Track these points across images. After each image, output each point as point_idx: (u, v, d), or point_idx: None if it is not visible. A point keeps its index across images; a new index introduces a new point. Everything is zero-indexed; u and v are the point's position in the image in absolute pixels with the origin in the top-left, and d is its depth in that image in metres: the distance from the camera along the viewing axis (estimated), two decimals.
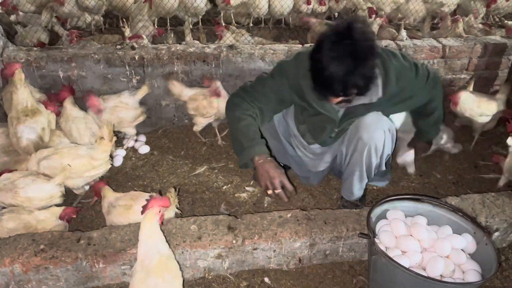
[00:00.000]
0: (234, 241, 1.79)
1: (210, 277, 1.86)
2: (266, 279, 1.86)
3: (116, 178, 2.48)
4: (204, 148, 2.76)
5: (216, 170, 2.57)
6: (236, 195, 2.39)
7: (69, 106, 2.39)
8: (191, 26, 3.83)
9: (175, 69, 2.68)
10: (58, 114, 2.42)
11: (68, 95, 2.39)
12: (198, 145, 2.79)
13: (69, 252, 1.71)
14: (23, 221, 1.90)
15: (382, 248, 1.61)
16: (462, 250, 1.63)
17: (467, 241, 1.65)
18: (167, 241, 1.74)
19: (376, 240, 1.62)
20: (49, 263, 1.68)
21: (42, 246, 1.72)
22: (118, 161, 2.59)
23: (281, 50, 2.80)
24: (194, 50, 2.69)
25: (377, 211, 1.75)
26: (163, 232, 1.78)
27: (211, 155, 2.70)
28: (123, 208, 1.92)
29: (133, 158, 2.65)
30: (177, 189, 2.19)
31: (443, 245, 1.62)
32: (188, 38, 3.27)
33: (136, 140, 2.77)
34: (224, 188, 2.43)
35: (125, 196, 1.99)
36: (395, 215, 1.76)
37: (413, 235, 1.66)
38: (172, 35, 3.68)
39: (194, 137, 2.84)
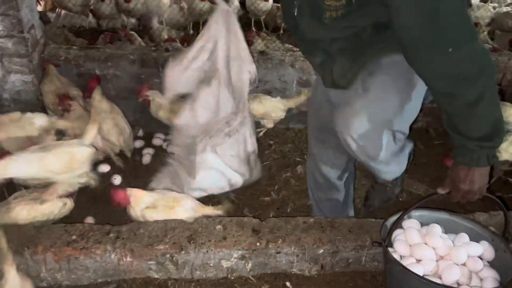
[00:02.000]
0: (258, 244, 1.82)
1: (232, 278, 1.89)
2: (288, 283, 1.87)
3: (143, 175, 2.54)
4: None
5: None
6: (260, 198, 2.42)
7: (98, 97, 2.48)
8: None
9: None
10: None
11: (96, 85, 2.47)
12: None
13: (99, 244, 1.78)
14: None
15: (397, 256, 1.61)
16: (479, 257, 1.62)
17: (484, 248, 1.63)
18: (192, 240, 1.79)
19: (390, 249, 1.62)
20: (79, 254, 1.75)
21: (74, 237, 1.79)
22: (146, 160, 2.66)
23: None
24: None
25: (393, 220, 1.74)
26: (189, 231, 1.84)
27: None
28: (167, 208, 1.95)
29: (162, 157, 2.72)
30: None
31: (459, 253, 1.60)
32: None
33: (164, 140, 2.84)
34: (248, 190, 2.46)
35: (165, 197, 2.00)
36: (410, 224, 1.75)
37: (427, 243, 1.65)
38: None
39: None
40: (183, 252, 1.78)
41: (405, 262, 1.56)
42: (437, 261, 1.61)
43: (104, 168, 2.54)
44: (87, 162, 2.08)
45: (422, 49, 1.22)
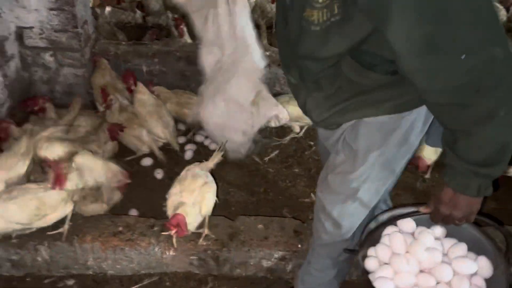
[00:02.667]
0: (299, 245, 1.81)
1: (271, 278, 1.89)
2: None
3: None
4: (275, 152, 2.79)
5: (284, 169, 2.60)
6: (299, 200, 2.41)
7: (142, 90, 2.51)
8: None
9: None
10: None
11: (130, 79, 2.51)
12: (269, 147, 2.81)
13: (144, 236, 1.82)
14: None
15: (375, 264, 1.37)
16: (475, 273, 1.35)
17: (480, 266, 1.36)
18: (234, 237, 1.81)
19: (371, 252, 1.38)
20: (125, 245, 1.80)
21: (120, 228, 1.85)
22: (188, 155, 2.70)
23: None
24: (270, 53, 2.75)
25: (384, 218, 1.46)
26: (231, 229, 1.86)
27: (280, 155, 2.74)
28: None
29: (202, 153, 2.75)
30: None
31: (444, 270, 1.35)
32: (265, 41, 3.34)
33: (206, 136, 2.87)
34: (288, 191, 2.46)
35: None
36: (403, 224, 1.43)
37: (410, 253, 1.38)
38: None
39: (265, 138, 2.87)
40: (224, 249, 1.80)
41: (381, 273, 1.34)
42: (416, 276, 1.35)
43: (147, 161, 2.59)
44: (61, 205, 1.80)
45: (426, 55, 0.94)
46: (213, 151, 2.73)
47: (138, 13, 4.03)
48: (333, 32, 1.03)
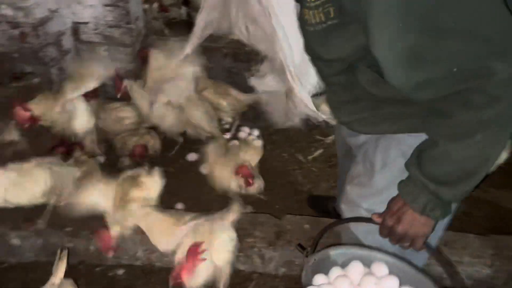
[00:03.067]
0: None
1: None
2: None
3: None
4: (319, 151, 2.76)
5: (328, 169, 2.57)
6: None
7: None
8: None
9: None
10: None
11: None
12: (313, 145, 2.80)
13: None
14: None
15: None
16: None
17: None
18: (280, 236, 1.80)
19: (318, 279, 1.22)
20: None
21: None
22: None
23: None
24: None
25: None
26: (278, 227, 1.85)
27: (323, 154, 2.71)
28: None
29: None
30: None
31: None
32: None
33: (249, 134, 2.88)
34: (333, 191, 2.42)
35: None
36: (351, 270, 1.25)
37: None
38: None
39: (308, 137, 2.86)
40: (270, 247, 1.80)
41: None
42: None
43: (192, 156, 2.62)
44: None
45: (411, 68, 0.87)
46: (257, 147, 2.77)
47: (184, 9, 4.09)
48: (333, 35, 0.99)
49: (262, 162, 2.64)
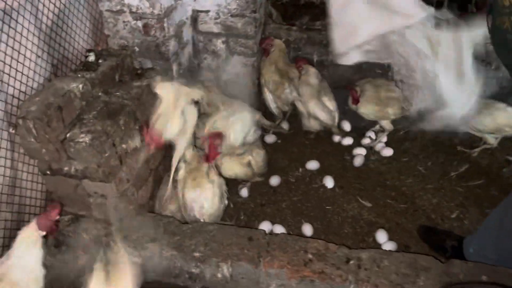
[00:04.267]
0: None
1: None
2: None
3: (357, 180, 2.26)
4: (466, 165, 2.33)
5: (477, 189, 2.15)
6: None
7: (310, 71, 2.33)
8: None
9: None
10: None
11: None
12: (456, 158, 2.37)
13: (338, 270, 1.55)
14: None
15: None
16: None
17: None
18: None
19: None
20: (317, 277, 1.55)
21: (310, 256, 1.59)
22: (358, 162, 2.36)
23: None
24: None
25: None
26: (447, 276, 1.49)
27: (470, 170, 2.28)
28: None
29: (374, 160, 2.39)
30: None
31: None
32: None
33: (375, 139, 2.50)
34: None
35: None
36: None
37: None
38: None
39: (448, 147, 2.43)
40: None
41: None
42: None
43: (313, 165, 2.32)
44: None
45: None
46: (386, 158, 2.39)
47: None
48: None
49: (395, 173, 2.27)
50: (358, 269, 1.55)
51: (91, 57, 1.84)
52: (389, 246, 1.88)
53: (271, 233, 1.72)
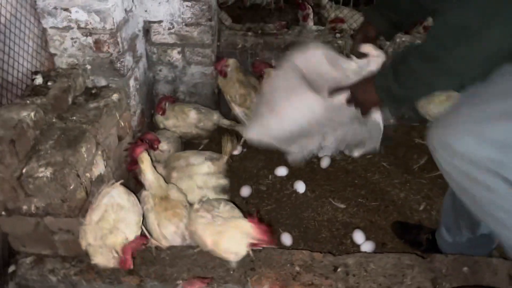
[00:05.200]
0: None
1: None
2: None
3: (327, 182, 2.26)
4: (425, 158, 2.38)
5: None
6: None
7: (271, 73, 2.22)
8: None
9: None
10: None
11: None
12: (416, 151, 2.43)
13: (327, 280, 1.53)
14: None
15: None
16: None
17: None
18: (438, 285, 1.48)
19: None
20: None
21: (297, 268, 1.56)
22: (325, 163, 2.36)
23: None
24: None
25: None
26: (433, 272, 1.53)
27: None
28: None
29: (339, 159, 2.41)
30: None
31: None
32: None
33: None
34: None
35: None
36: None
37: None
38: None
39: (407, 140, 2.50)
40: None
41: None
42: None
43: (282, 171, 2.30)
44: None
45: None
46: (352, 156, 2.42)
47: None
48: None
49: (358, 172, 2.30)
50: (347, 276, 1.54)
51: (38, 80, 1.68)
52: (367, 246, 1.90)
53: (254, 248, 1.66)
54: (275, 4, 3.81)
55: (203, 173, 1.94)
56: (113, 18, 1.68)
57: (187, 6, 2.00)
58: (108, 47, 1.75)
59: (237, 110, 2.31)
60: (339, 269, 1.56)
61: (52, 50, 1.79)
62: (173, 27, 2.07)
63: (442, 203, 2.06)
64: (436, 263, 1.57)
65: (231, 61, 2.23)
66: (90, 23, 1.69)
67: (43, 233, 1.53)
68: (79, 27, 1.71)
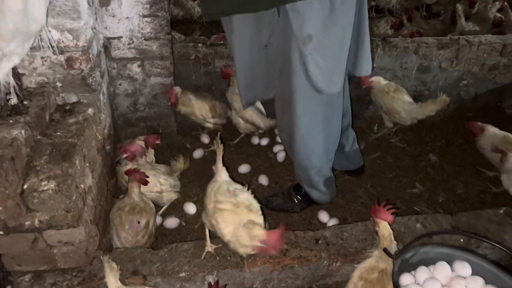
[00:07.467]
0: (461, 240, 1.82)
1: None
2: None
3: (286, 174, 2.51)
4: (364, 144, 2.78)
5: None
6: (407, 190, 2.42)
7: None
8: None
9: None
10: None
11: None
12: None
13: (312, 251, 1.76)
14: None
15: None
16: None
17: None
18: (399, 241, 1.78)
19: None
20: (296, 263, 1.73)
21: (285, 246, 1.77)
22: (281, 157, 2.61)
23: (432, 43, 2.80)
24: None
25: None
26: (395, 231, 1.83)
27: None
28: None
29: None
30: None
31: None
32: None
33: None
34: (393, 182, 2.46)
35: None
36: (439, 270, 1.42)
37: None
38: None
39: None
40: None
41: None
42: None
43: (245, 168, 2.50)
44: None
45: None
46: None
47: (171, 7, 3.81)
48: None
49: None
50: (327, 245, 1.78)
51: (14, 100, 1.68)
52: (332, 222, 2.17)
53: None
54: None
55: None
56: (86, 36, 1.75)
57: (146, 21, 2.12)
58: (80, 64, 1.81)
59: (208, 125, 2.55)
60: (320, 241, 1.80)
61: (20, 70, 1.79)
62: (133, 42, 2.17)
63: (385, 181, 2.43)
64: (395, 225, 1.88)
65: (177, 89, 2.40)
66: (63, 41, 1.74)
67: (41, 249, 1.55)
68: (50, 46, 1.75)
